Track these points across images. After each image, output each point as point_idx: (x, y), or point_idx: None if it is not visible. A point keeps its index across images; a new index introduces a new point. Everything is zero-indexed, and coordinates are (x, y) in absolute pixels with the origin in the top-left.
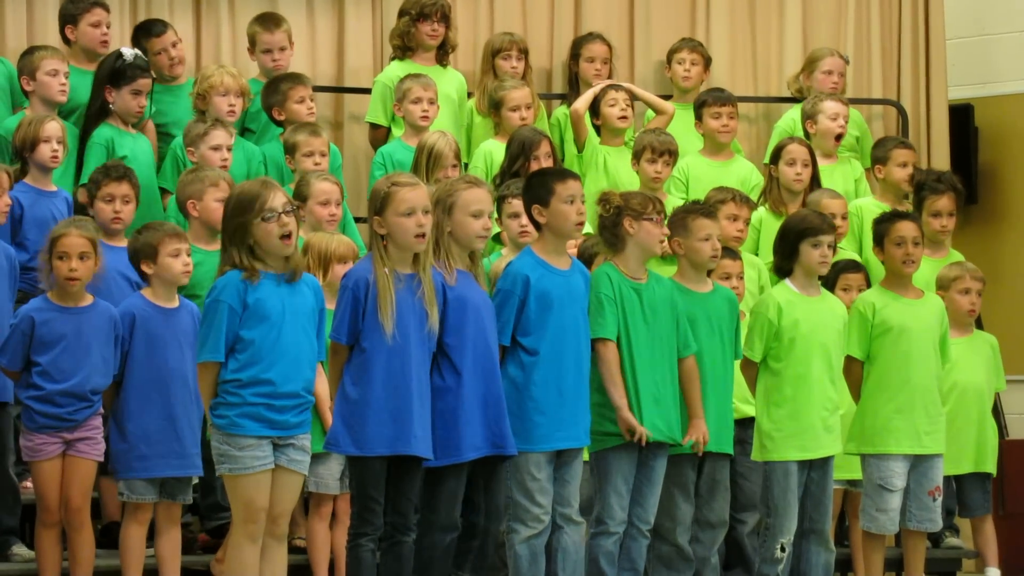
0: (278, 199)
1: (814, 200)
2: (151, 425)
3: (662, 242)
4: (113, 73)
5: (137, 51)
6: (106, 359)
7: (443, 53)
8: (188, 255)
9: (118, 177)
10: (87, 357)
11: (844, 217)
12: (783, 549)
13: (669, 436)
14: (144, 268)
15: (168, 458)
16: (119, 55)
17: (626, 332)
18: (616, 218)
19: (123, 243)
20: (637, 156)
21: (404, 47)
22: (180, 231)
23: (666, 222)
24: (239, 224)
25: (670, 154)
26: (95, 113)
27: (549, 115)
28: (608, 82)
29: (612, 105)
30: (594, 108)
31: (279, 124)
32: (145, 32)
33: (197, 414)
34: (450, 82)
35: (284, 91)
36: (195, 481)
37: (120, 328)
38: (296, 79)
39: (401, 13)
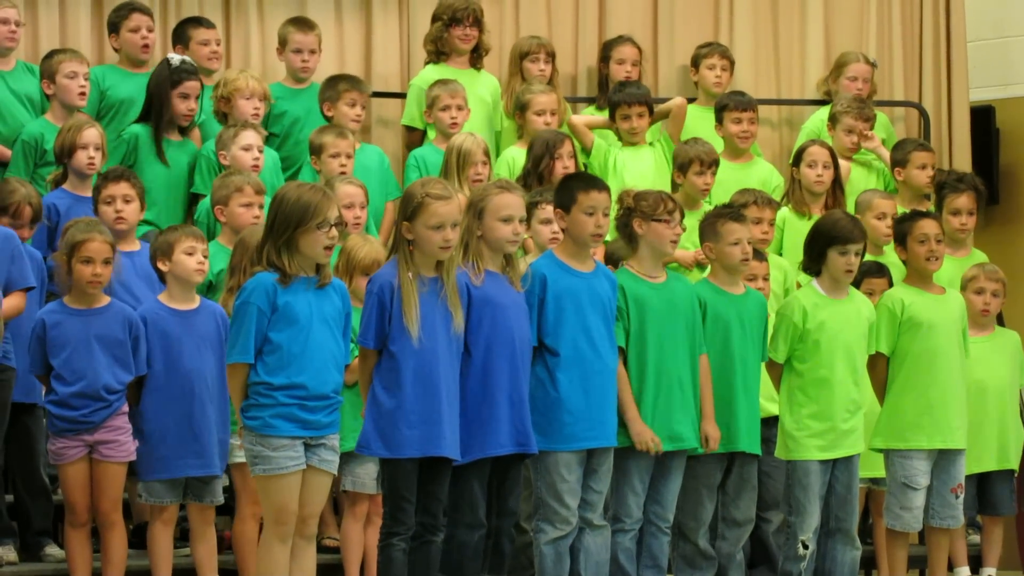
0: (334, 211)
1: (865, 200)
2: (169, 426)
3: (674, 242)
4: (162, 82)
5: (184, 57)
6: (119, 358)
7: (477, 56)
8: (204, 256)
9: (115, 178)
10: (96, 357)
11: (895, 216)
12: (805, 547)
13: (682, 445)
14: (160, 266)
15: (187, 458)
16: (166, 62)
17: (642, 333)
18: (627, 218)
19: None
20: (683, 168)
21: (438, 52)
22: (198, 232)
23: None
24: (289, 227)
25: (715, 163)
26: (138, 118)
27: None
28: (605, 121)
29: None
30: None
31: (328, 119)
32: (194, 23)
33: (218, 415)
34: (484, 85)
35: (340, 90)
36: (226, 483)
37: (138, 329)
38: (355, 83)
39: (434, 18)
